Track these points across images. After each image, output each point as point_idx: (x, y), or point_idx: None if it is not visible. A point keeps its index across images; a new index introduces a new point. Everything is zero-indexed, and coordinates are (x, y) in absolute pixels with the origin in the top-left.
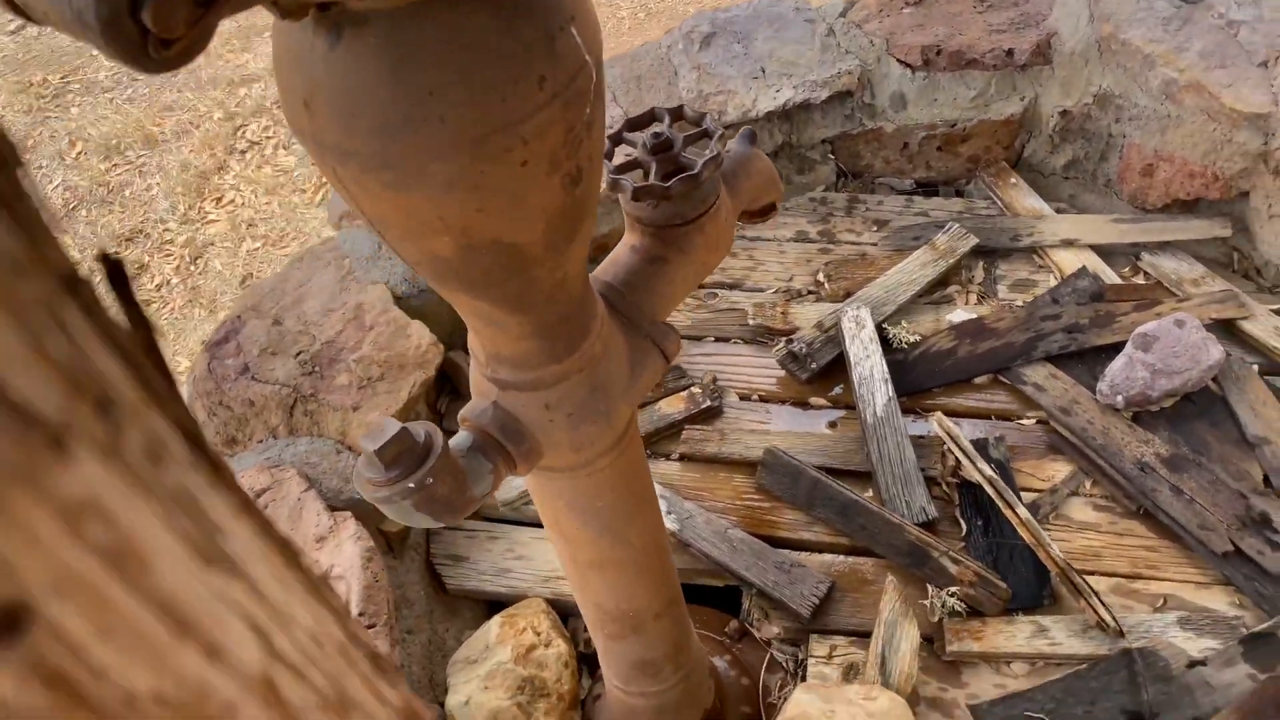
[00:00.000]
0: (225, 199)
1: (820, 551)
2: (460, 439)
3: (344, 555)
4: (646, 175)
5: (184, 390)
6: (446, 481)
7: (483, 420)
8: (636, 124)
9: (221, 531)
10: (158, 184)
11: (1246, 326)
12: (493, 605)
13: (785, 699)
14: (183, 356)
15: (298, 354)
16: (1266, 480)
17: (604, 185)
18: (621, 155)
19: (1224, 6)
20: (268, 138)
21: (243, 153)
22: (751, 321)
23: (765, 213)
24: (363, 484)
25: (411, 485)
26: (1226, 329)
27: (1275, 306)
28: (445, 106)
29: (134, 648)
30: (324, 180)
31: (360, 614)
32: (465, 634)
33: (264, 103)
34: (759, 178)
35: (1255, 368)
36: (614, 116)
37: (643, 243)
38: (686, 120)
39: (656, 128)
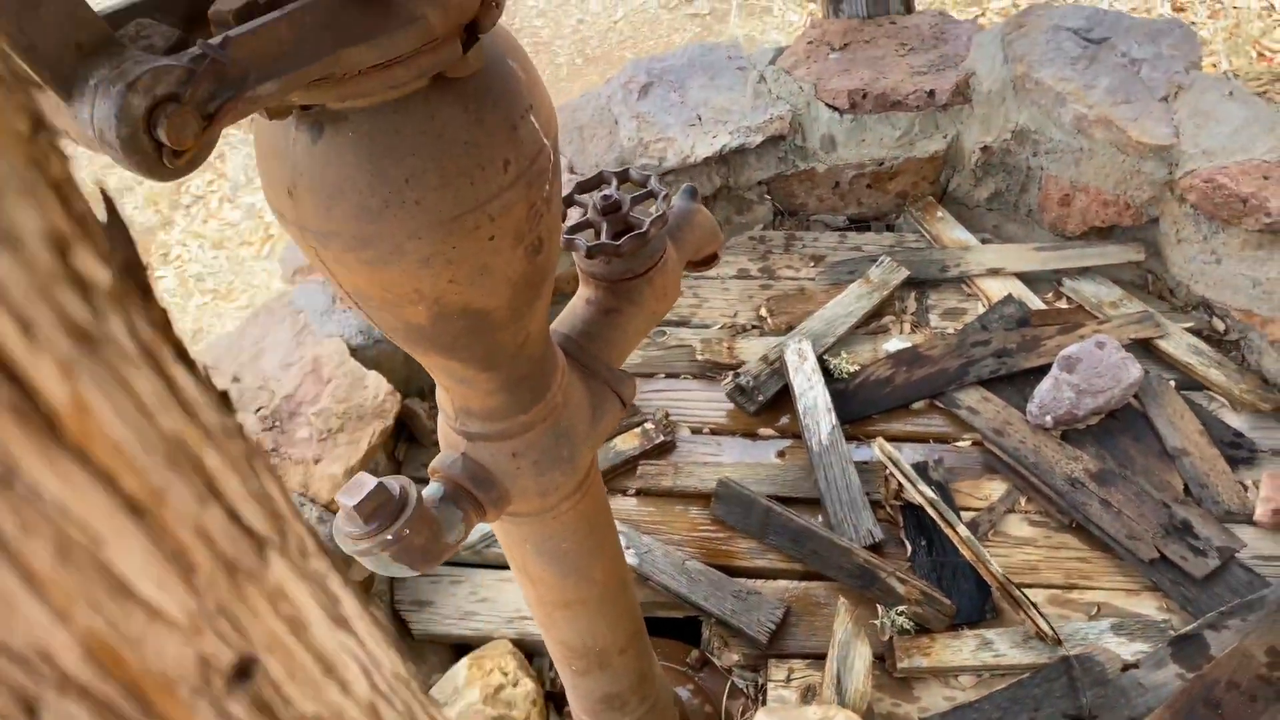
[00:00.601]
0: (172, 254)
1: (775, 578)
2: (432, 490)
3: None
4: (598, 234)
5: None
6: (422, 532)
7: (453, 471)
8: (586, 186)
9: (339, 600)
10: None
11: (1163, 345)
12: (459, 648)
13: None
14: None
15: (257, 410)
16: (1186, 489)
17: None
18: (574, 216)
19: (1126, 45)
20: (212, 191)
21: (187, 207)
22: (700, 357)
23: (708, 262)
24: (342, 538)
25: (390, 537)
26: (1144, 348)
27: (1188, 325)
28: (420, 192)
29: (305, 684)
30: (272, 232)
31: None
32: (433, 678)
33: None
34: (701, 230)
35: (1172, 384)
36: (563, 177)
37: (596, 295)
38: (633, 181)
39: (605, 190)
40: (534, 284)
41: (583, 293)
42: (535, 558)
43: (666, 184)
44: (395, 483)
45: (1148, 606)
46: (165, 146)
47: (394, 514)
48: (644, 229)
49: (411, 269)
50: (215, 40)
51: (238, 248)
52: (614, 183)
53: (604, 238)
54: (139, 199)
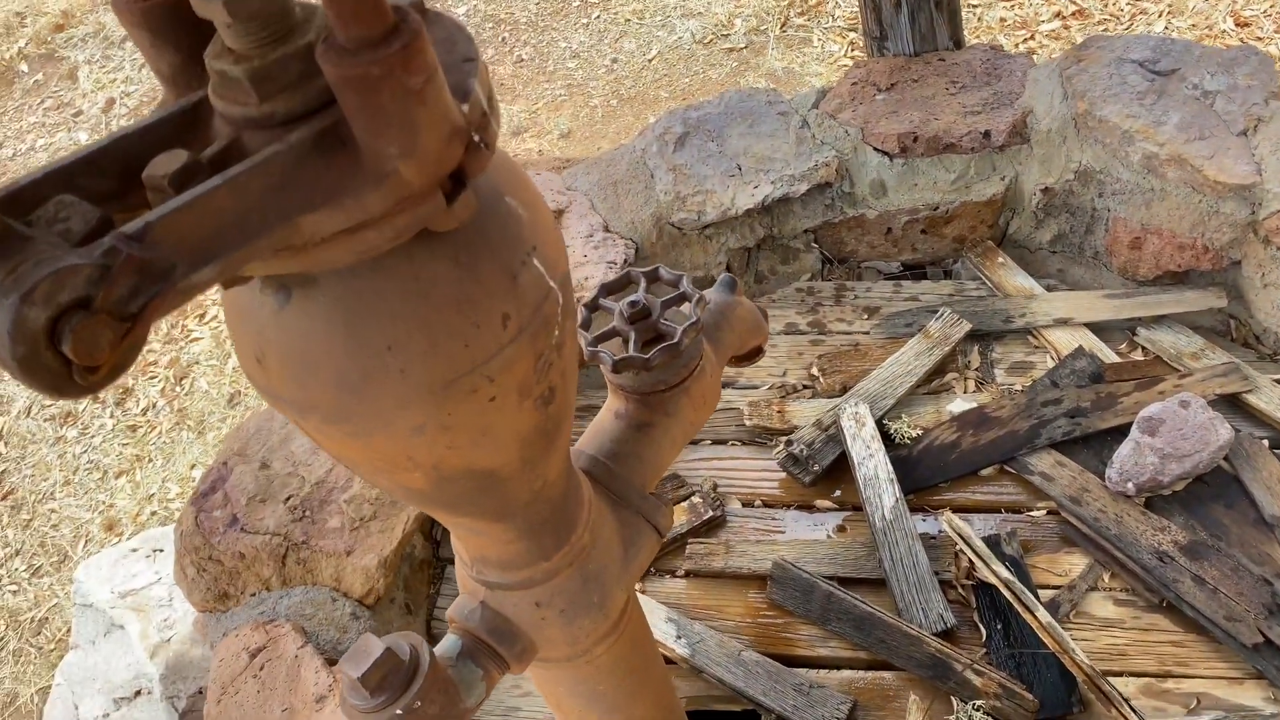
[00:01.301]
0: (208, 315)
1: (838, 668)
2: (448, 645)
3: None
4: (626, 345)
5: (171, 544)
6: (437, 699)
7: (471, 622)
8: (612, 289)
9: None
10: None
11: (1252, 400)
12: None
13: None
14: (173, 483)
15: (287, 499)
16: None
17: (585, 357)
18: (599, 323)
19: (1197, 77)
20: None
21: None
22: (748, 422)
23: (752, 356)
24: (350, 711)
25: (400, 712)
26: (1231, 403)
27: (1278, 376)
28: (405, 359)
29: None
30: None
31: None
32: None
33: None
34: (742, 325)
35: (1265, 443)
36: (592, 224)
37: (627, 409)
38: (663, 281)
39: (632, 294)
40: (547, 434)
41: (611, 405)
42: (570, 700)
43: (707, 236)
44: (405, 644)
45: (1254, 697)
46: (74, 363)
47: (405, 682)
48: (676, 339)
49: (402, 439)
50: (133, 228)
51: None
52: (642, 284)
53: (632, 349)
54: None
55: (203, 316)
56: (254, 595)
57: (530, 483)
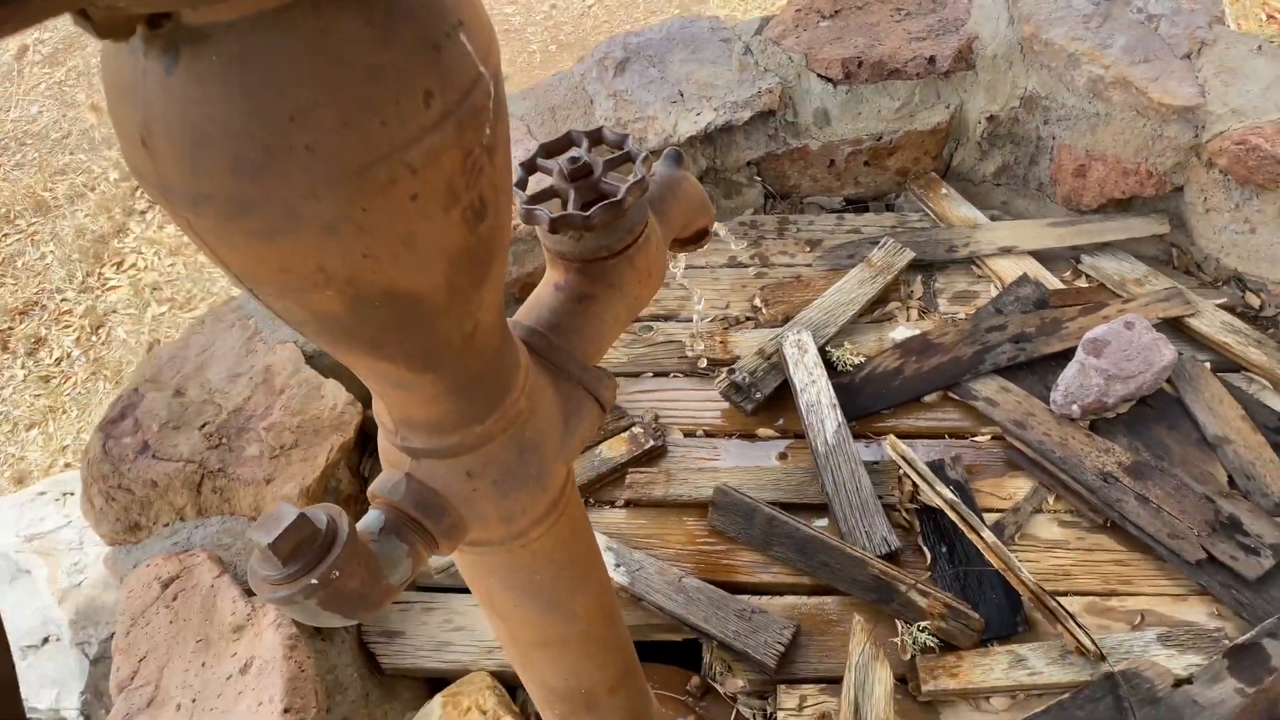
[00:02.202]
0: (126, 263)
1: (781, 594)
2: (370, 520)
3: (264, 645)
4: (565, 205)
5: (77, 473)
6: (357, 573)
7: (395, 496)
8: (552, 150)
9: None
10: (52, 252)
11: (1194, 323)
12: (434, 683)
13: None
14: (88, 434)
15: (202, 426)
16: (1231, 481)
17: (518, 218)
18: (536, 185)
19: (1141, 0)
20: None
21: (142, 213)
22: (690, 353)
23: (698, 238)
24: (258, 583)
25: (315, 581)
26: (1174, 328)
27: (1220, 301)
28: (312, 134)
29: None
30: None
31: (286, 710)
32: (406, 716)
33: None
34: (689, 201)
35: (1207, 365)
36: (529, 149)
37: (567, 280)
38: (606, 144)
39: (574, 152)
40: (479, 260)
41: (550, 277)
42: (503, 591)
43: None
44: (322, 513)
45: (1198, 613)
46: None
47: (320, 552)
48: (619, 197)
49: (312, 240)
50: None
51: (196, 254)
52: (584, 144)
53: (572, 208)
54: (91, 205)
55: (120, 265)
56: (167, 526)
57: (460, 322)
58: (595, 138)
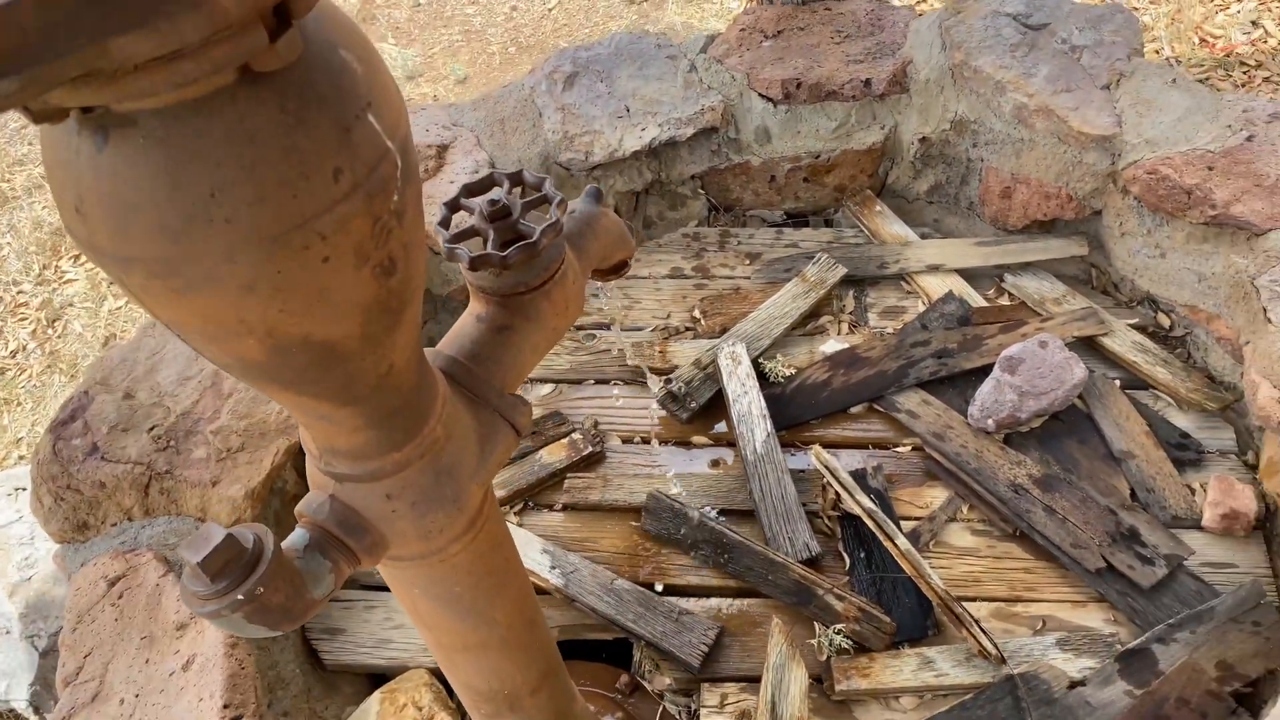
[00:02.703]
0: (84, 257)
1: (708, 596)
2: (296, 538)
3: (206, 643)
4: (485, 243)
5: (27, 473)
6: (281, 588)
7: (320, 515)
8: (475, 189)
9: None
10: (9, 244)
11: (1107, 343)
12: (375, 679)
13: None
14: (42, 427)
15: (151, 429)
16: (1133, 494)
17: (443, 254)
18: (460, 223)
19: (1065, 31)
20: None
21: None
22: (630, 362)
23: (618, 269)
24: (189, 597)
25: (240, 597)
26: (1089, 346)
27: (1132, 321)
28: (230, 207)
29: None
30: None
31: (225, 705)
32: (347, 711)
33: None
34: (607, 236)
35: (1117, 383)
36: (478, 161)
37: (487, 311)
38: (526, 185)
39: (495, 194)
40: (390, 310)
41: (473, 308)
42: (426, 601)
43: (594, 178)
44: (249, 533)
45: (1094, 619)
46: None
47: (246, 569)
48: (534, 238)
49: (232, 297)
50: None
51: None
52: (505, 185)
53: (490, 248)
54: (49, 198)
55: (78, 258)
56: (115, 525)
57: (375, 364)
58: (516, 179)
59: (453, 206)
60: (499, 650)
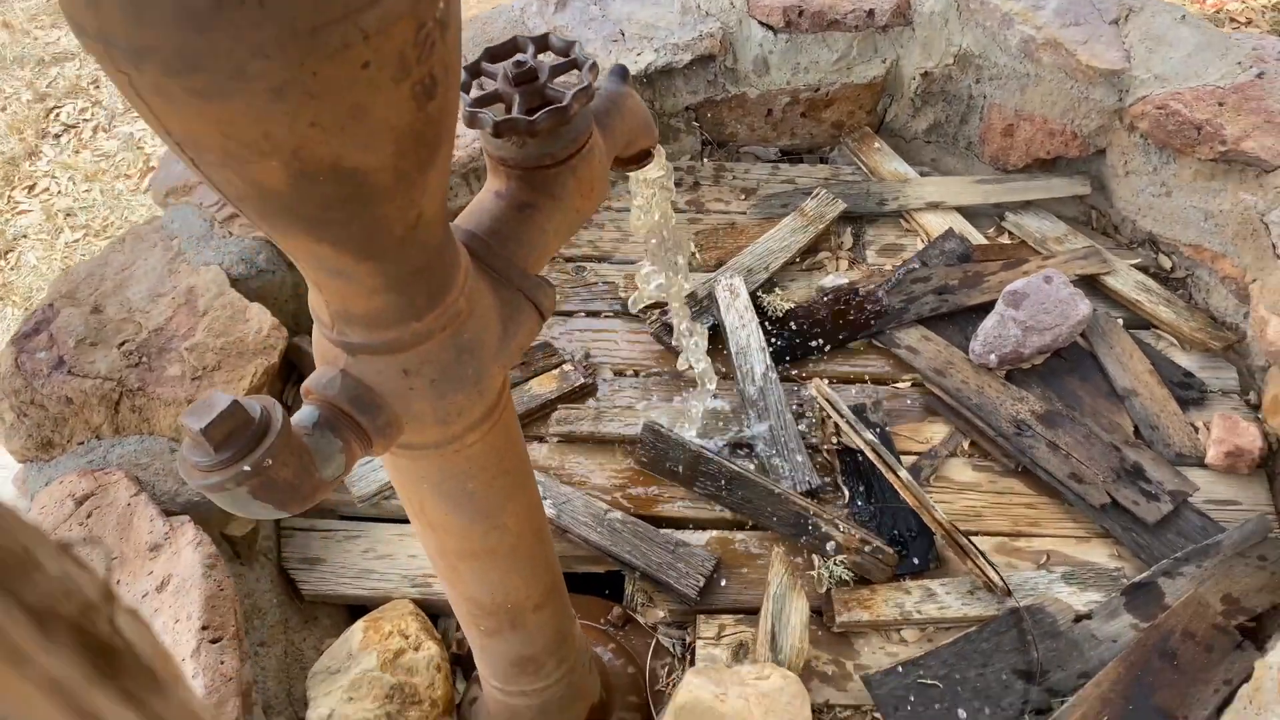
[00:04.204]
0: (39, 187)
1: (704, 528)
2: (305, 414)
3: (182, 563)
4: (509, 109)
5: None
6: (289, 463)
7: (330, 391)
8: (497, 54)
9: None
10: None
11: (1109, 281)
12: (355, 610)
13: (674, 684)
14: None
15: (122, 344)
16: (1136, 431)
17: (462, 118)
18: (480, 90)
19: None
20: (85, 120)
21: (57, 136)
22: (623, 295)
23: (640, 159)
24: (188, 470)
25: (247, 468)
26: (1090, 284)
27: (1134, 262)
28: None
29: None
30: (153, 164)
31: (204, 627)
32: (326, 643)
33: (79, 82)
34: (633, 118)
35: (1120, 321)
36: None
37: (509, 187)
38: (553, 50)
39: (520, 57)
40: (426, 141)
41: (492, 185)
42: (435, 499)
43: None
44: (256, 403)
45: (1099, 554)
46: None
47: (254, 440)
48: (565, 103)
49: (259, 103)
50: None
51: (114, 180)
52: (530, 49)
53: (516, 113)
54: (1, 126)
55: (32, 189)
56: (82, 444)
57: (404, 208)
58: (541, 44)
59: (474, 71)
60: (507, 559)
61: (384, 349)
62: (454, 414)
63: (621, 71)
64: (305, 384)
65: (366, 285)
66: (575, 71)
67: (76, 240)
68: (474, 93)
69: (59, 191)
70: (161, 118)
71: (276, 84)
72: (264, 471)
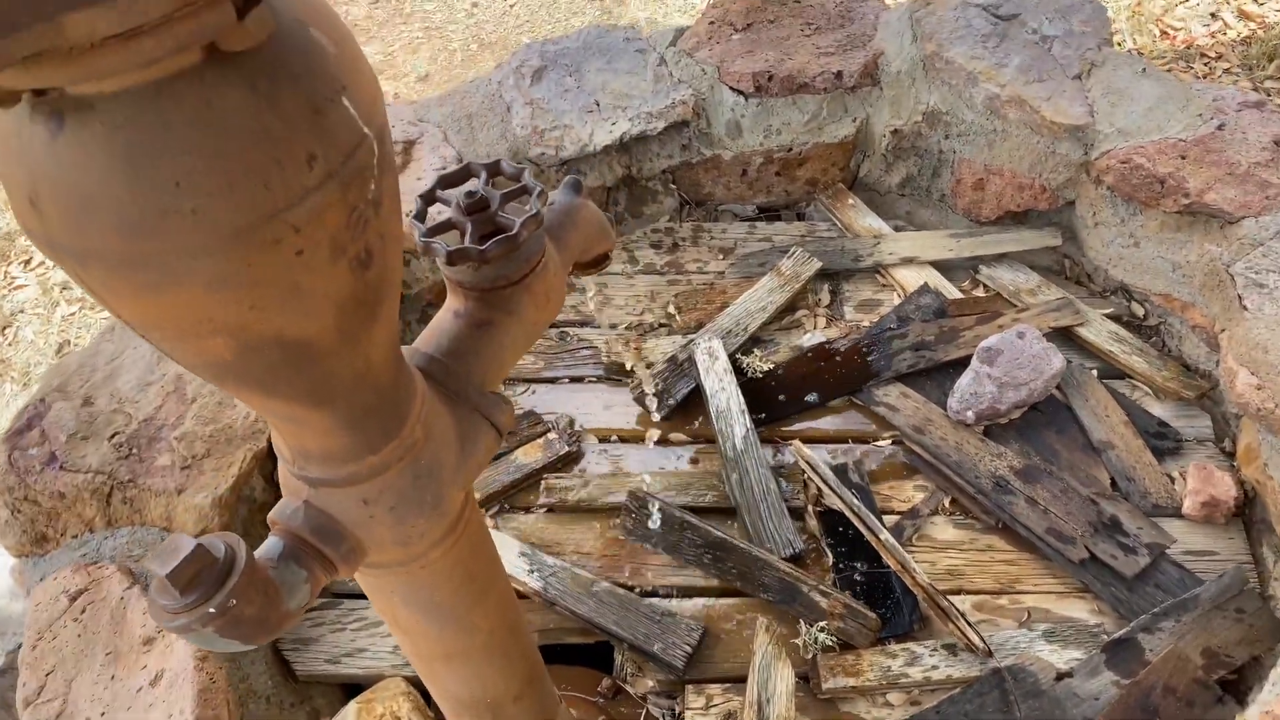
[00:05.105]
0: (34, 260)
1: (691, 596)
2: (270, 546)
3: (175, 657)
4: (462, 237)
5: None
6: (255, 600)
7: (294, 522)
8: (450, 180)
9: None
10: None
11: (1083, 333)
12: (350, 688)
13: None
14: None
15: (112, 436)
16: (1113, 483)
17: (418, 249)
18: (436, 216)
19: (1036, 22)
20: None
21: None
22: (605, 359)
23: (598, 263)
24: (157, 612)
25: (212, 610)
26: (1065, 337)
27: (1107, 311)
28: (197, 198)
29: None
30: None
31: None
32: None
33: None
34: (587, 228)
35: (1094, 373)
36: (445, 157)
37: (466, 307)
38: (504, 176)
39: (471, 185)
40: (367, 304)
41: (451, 304)
42: (405, 609)
43: (564, 174)
44: (220, 542)
45: (1079, 610)
46: None
47: (218, 581)
48: (514, 231)
49: (199, 294)
50: None
51: None
52: (483, 176)
53: (468, 241)
54: None
55: (28, 263)
56: (75, 537)
57: (351, 362)
58: (494, 170)
59: (428, 199)
60: (481, 657)
61: (343, 482)
62: (415, 536)
63: (575, 184)
64: (270, 515)
65: (321, 428)
66: (526, 196)
67: (73, 314)
68: (430, 219)
69: (54, 266)
70: (111, 305)
71: (214, 277)
72: (229, 611)
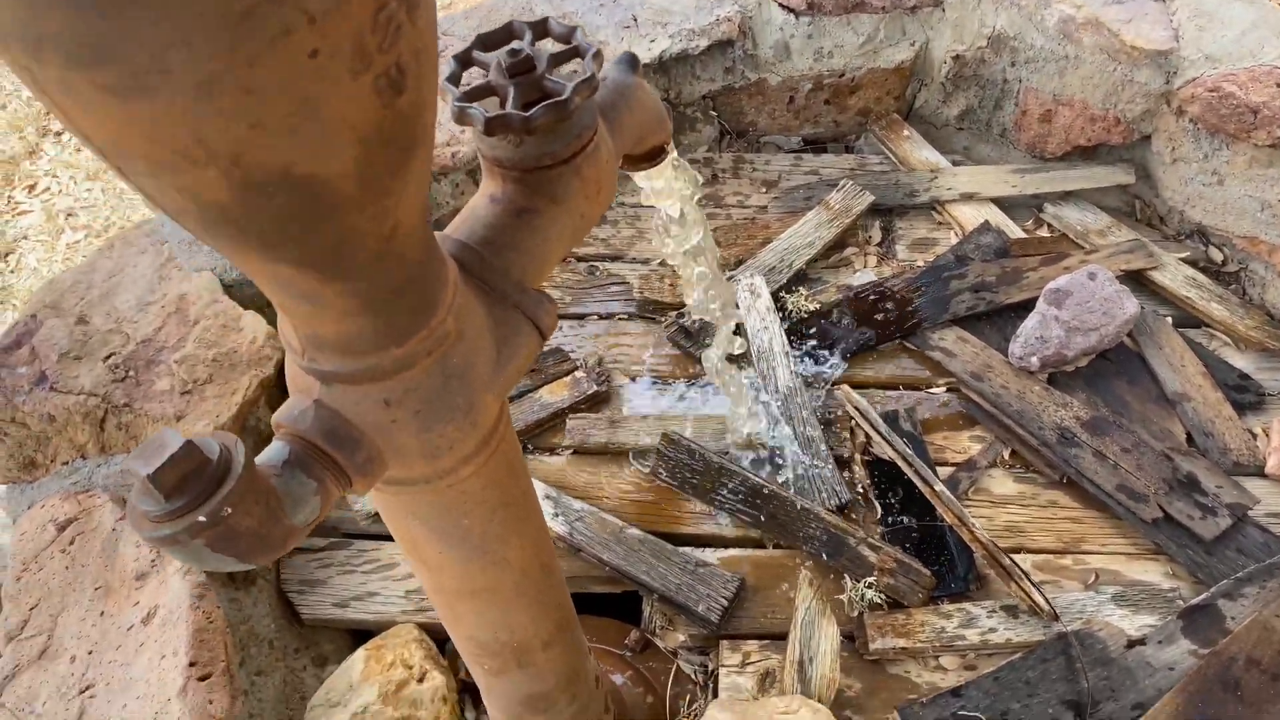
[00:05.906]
0: (39, 186)
1: (727, 546)
2: (273, 452)
3: (170, 593)
4: (503, 103)
5: None
6: (253, 510)
7: (302, 424)
8: (490, 41)
9: None
10: None
11: (1156, 277)
12: (358, 635)
13: (695, 716)
14: None
15: (108, 357)
16: (1189, 439)
17: (451, 115)
18: (471, 80)
19: None
20: None
21: (58, 134)
22: (637, 296)
23: (652, 156)
24: (137, 519)
25: (203, 519)
26: (1136, 280)
27: (1183, 255)
28: None
29: None
30: None
31: (192, 664)
32: (327, 670)
33: None
34: (643, 112)
35: (1169, 320)
36: (457, 74)
37: (505, 191)
38: (552, 36)
39: (515, 45)
40: (397, 144)
41: (486, 188)
42: (428, 536)
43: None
44: (215, 442)
45: (1152, 573)
46: None
47: (210, 486)
48: (565, 96)
49: (184, 102)
50: None
51: (116, 179)
52: (527, 35)
53: (511, 107)
54: (1, 124)
55: (32, 188)
56: (66, 464)
57: (376, 220)
58: (540, 29)
59: (464, 60)
60: (510, 596)
61: (362, 377)
62: (443, 448)
63: (630, 60)
64: (275, 417)
65: (337, 308)
66: (577, 60)
67: (78, 241)
68: (464, 85)
69: (60, 191)
70: (75, 120)
71: (203, 78)
72: (223, 521)
